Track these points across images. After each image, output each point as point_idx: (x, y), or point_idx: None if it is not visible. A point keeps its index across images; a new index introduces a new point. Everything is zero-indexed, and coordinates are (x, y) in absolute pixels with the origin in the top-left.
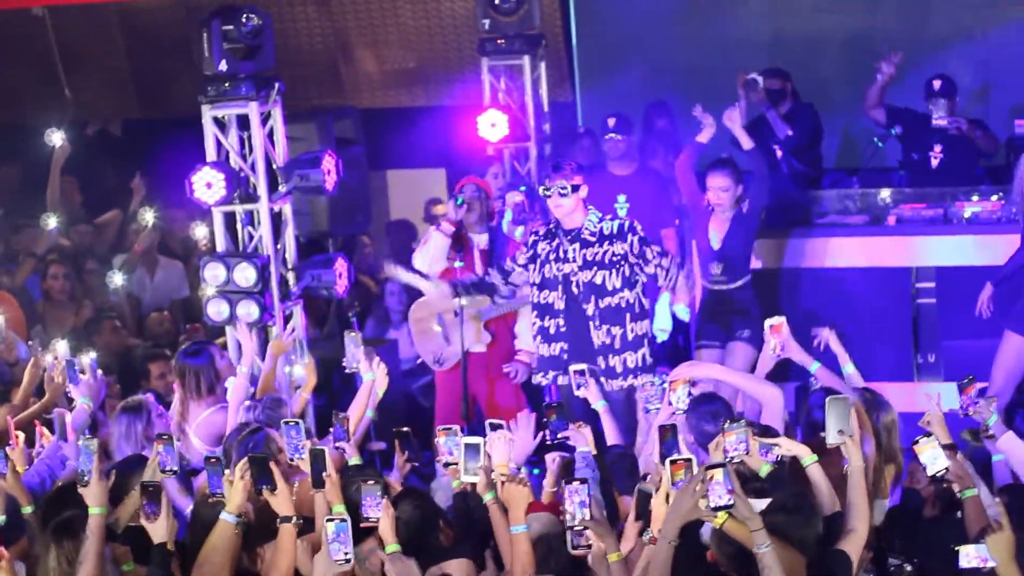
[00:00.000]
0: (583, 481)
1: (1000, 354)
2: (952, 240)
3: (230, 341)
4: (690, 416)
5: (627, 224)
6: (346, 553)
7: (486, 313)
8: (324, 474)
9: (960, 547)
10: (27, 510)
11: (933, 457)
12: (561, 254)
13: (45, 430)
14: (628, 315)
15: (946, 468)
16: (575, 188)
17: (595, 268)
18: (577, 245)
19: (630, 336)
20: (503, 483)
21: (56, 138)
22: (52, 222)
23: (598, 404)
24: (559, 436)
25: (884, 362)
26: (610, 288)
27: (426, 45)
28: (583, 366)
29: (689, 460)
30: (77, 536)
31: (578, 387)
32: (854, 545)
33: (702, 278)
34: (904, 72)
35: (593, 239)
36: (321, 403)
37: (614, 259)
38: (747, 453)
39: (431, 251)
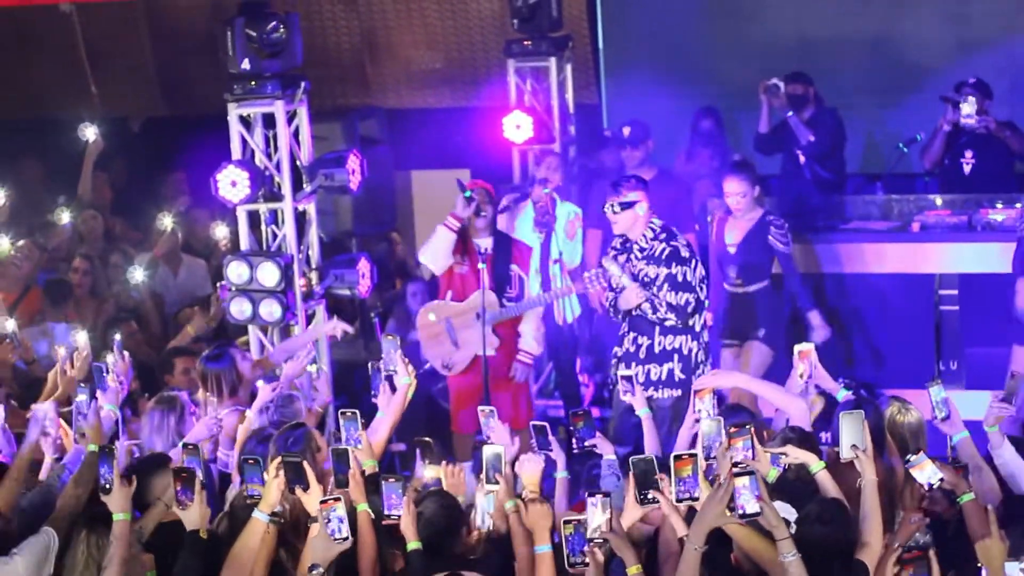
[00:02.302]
0: (606, 495)
1: (1014, 368)
2: (976, 247)
3: (252, 340)
4: None
5: (669, 253)
6: (343, 532)
7: (493, 317)
8: (348, 473)
9: (982, 564)
10: (92, 448)
11: (930, 473)
12: (626, 266)
13: (63, 422)
14: (658, 328)
15: (941, 478)
16: (627, 205)
17: (632, 282)
18: (633, 258)
19: (656, 349)
20: (527, 503)
21: (90, 133)
22: (65, 217)
23: (642, 411)
24: (586, 444)
25: (906, 369)
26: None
27: (452, 46)
28: (631, 372)
29: (694, 455)
30: (111, 528)
31: (624, 392)
32: (869, 558)
33: (722, 281)
34: (930, 77)
35: (641, 255)
36: (342, 403)
37: (646, 280)
38: (753, 459)
39: (435, 246)
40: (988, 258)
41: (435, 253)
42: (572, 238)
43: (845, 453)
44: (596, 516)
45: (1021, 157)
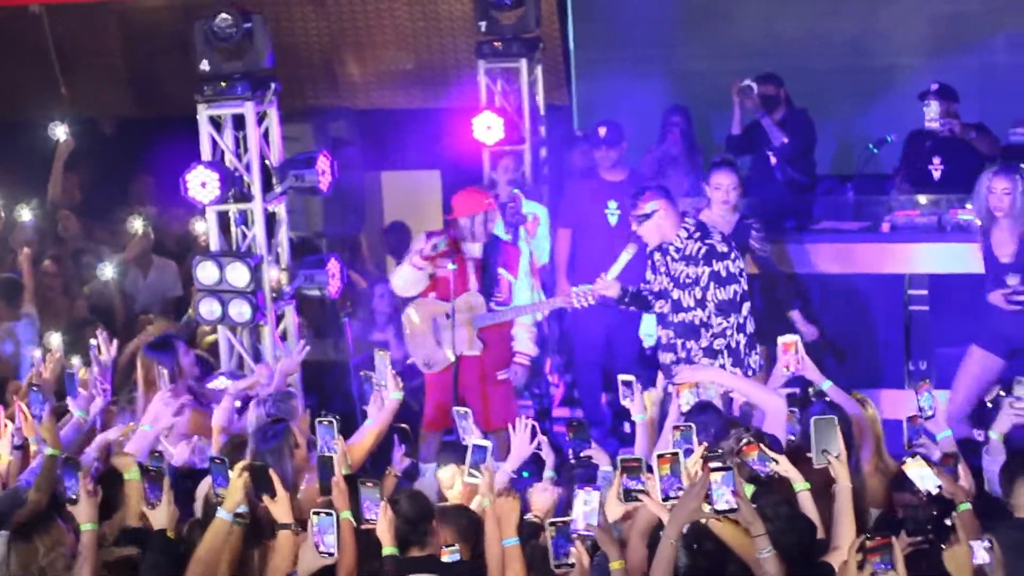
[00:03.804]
0: (595, 488)
1: (964, 367)
2: (945, 247)
3: (222, 340)
4: None
5: (706, 252)
6: (330, 546)
7: (480, 320)
8: (332, 480)
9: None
10: (51, 452)
11: (923, 476)
12: (666, 267)
13: (24, 407)
14: (703, 330)
15: (939, 486)
16: (646, 216)
17: (673, 284)
18: (669, 259)
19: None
20: (495, 496)
21: (60, 132)
22: (26, 214)
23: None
24: (581, 454)
25: (876, 369)
26: (685, 305)
27: (422, 47)
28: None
29: (676, 454)
30: (35, 536)
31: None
32: (837, 562)
33: None
34: (900, 79)
35: (677, 256)
36: (312, 403)
37: (687, 281)
38: (736, 495)
39: (404, 279)
40: (958, 258)
41: (405, 285)
42: (533, 236)
43: (817, 459)
44: (584, 508)
45: (990, 158)
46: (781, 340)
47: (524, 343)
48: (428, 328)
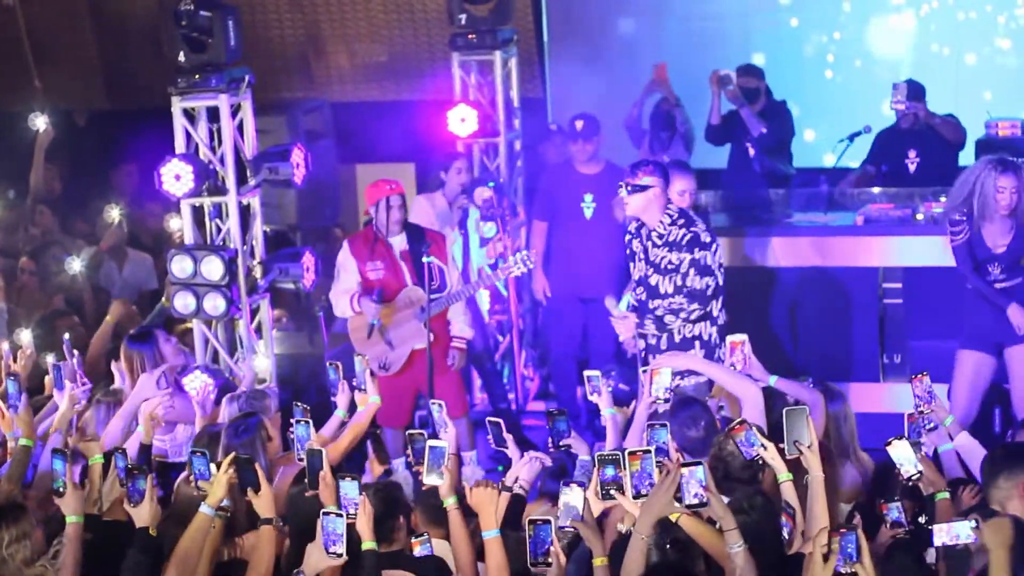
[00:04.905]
0: (580, 484)
1: (957, 375)
2: (919, 240)
3: (196, 334)
4: (672, 423)
5: (690, 239)
6: (340, 547)
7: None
8: (320, 475)
9: (934, 525)
10: (24, 442)
11: (905, 459)
12: (645, 253)
13: (2, 406)
14: (675, 318)
15: (920, 472)
16: (640, 188)
17: (653, 270)
18: (649, 244)
19: (676, 338)
20: (471, 488)
21: (40, 122)
22: None
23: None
24: (561, 444)
25: (850, 362)
26: (662, 292)
27: (397, 39)
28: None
29: (648, 451)
30: (2, 524)
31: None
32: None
33: None
34: (866, 78)
35: (660, 241)
36: (286, 396)
37: (668, 267)
38: (705, 490)
39: (343, 309)
40: (932, 251)
41: (344, 312)
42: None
43: (789, 450)
44: (565, 500)
45: (958, 145)
46: (730, 339)
47: (460, 327)
48: (376, 331)
